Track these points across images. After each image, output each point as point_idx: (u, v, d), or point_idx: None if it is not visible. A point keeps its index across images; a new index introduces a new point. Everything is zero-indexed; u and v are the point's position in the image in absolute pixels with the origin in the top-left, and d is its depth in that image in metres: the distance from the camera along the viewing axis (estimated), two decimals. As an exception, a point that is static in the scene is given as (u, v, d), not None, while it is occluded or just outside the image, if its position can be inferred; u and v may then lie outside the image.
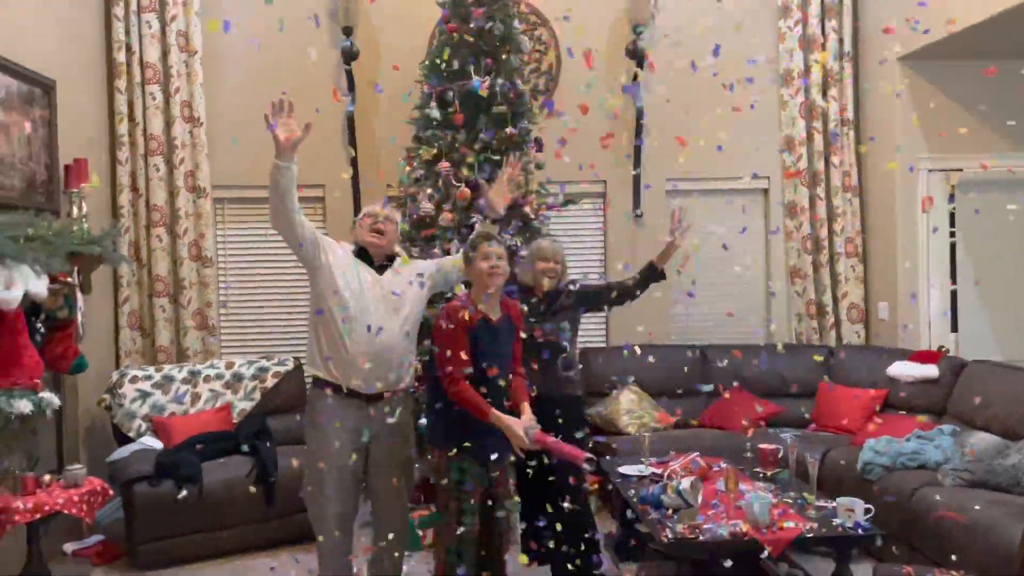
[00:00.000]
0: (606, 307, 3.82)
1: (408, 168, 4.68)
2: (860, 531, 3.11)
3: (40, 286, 3.48)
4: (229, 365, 4.91)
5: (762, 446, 3.98)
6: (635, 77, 5.34)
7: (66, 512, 3.45)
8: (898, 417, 4.47)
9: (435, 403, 2.98)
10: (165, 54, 5.11)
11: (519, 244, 4.24)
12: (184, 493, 4.01)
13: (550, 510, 3.28)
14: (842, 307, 5.52)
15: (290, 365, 5.00)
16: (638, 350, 4.29)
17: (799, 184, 5.49)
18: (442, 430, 2.94)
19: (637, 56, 5.32)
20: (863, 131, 5.51)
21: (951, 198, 5.13)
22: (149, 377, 4.70)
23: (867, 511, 3.18)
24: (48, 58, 4.30)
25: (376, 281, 3.00)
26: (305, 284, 3.07)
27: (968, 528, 3.25)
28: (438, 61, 4.49)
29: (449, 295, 3.51)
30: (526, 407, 2.93)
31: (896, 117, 5.12)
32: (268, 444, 4.42)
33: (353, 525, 3.07)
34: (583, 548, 3.40)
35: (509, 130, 4.44)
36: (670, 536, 3.04)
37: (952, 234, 5.15)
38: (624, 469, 3.90)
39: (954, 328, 5.18)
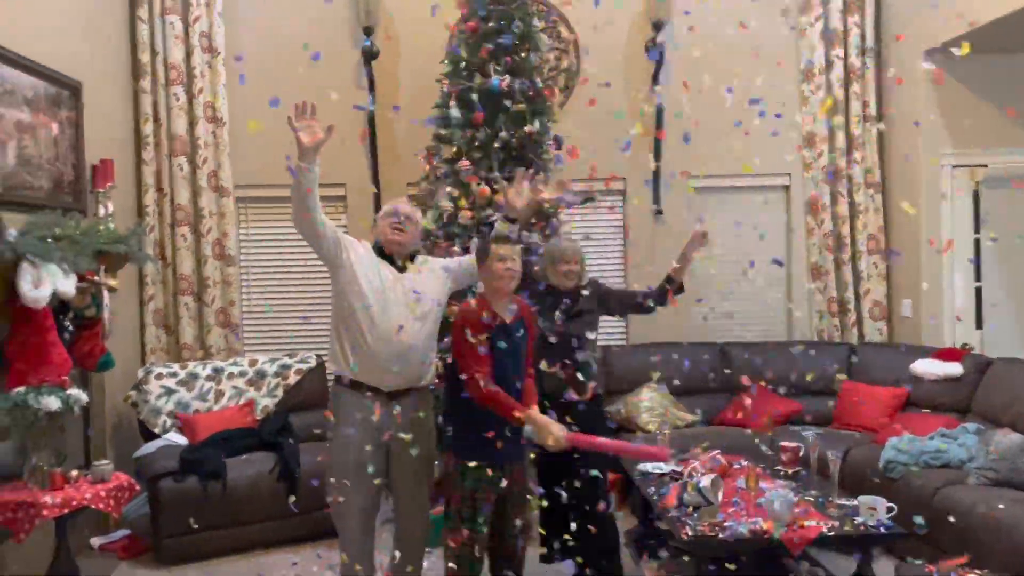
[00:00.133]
0: (621, 314, 3.80)
1: (428, 167, 4.70)
2: (882, 530, 3.09)
3: (68, 285, 3.55)
4: (252, 362, 4.96)
5: (783, 444, 3.97)
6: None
7: (93, 507, 3.51)
8: (921, 415, 4.44)
9: (452, 407, 2.99)
10: (188, 55, 5.17)
11: (539, 243, 4.24)
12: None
13: (567, 501, 3.30)
14: (864, 304, 5.48)
15: (312, 362, 5.05)
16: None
17: (820, 181, 5.45)
18: (457, 436, 2.96)
19: (657, 52, 5.30)
20: (886, 126, 5.45)
21: (975, 194, 5.07)
22: (174, 374, 4.76)
23: (890, 510, 3.16)
24: (74, 60, 4.37)
25: (397, 279, 3.02)
26: (327, 282, 3.10)
27: (992, 527, 3.22)
28: (458, 60, 4.51)
29: (469, 292, 3.53)
30: (535, 409, 2.93)
31: (920, 112, 5.06)
32: (291, 440, 4.47)
33: (375, 521, 3.10)
34: (604, 547, 3.41)
35: (528, 128, 4.45)
36: (690, 534, 3.04)
37: (976, 230, 5.09)
38: (644, 466, 3.90)
39: (978, 325, 5.12)
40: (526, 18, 4.53)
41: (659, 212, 5.50)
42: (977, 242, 5.09)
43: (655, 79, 5.37)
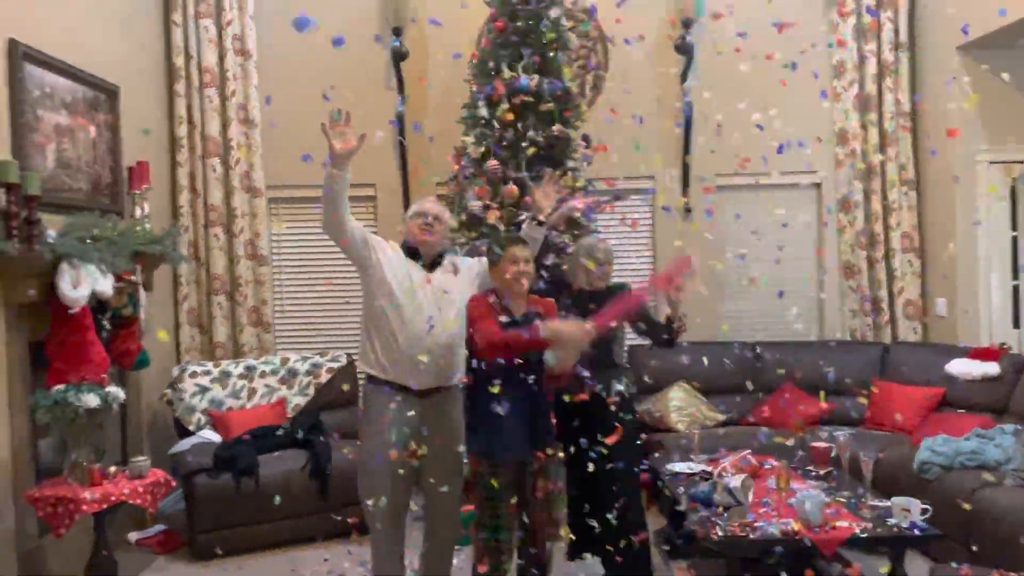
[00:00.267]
0: (637, 331, 3.66)
1: (456, 167, 4.72)
2: (916, 531, 3.06)
3: (106, 285, 3.63)
4: (284, 361, 5.03)
5: (814, 444, 3.93)
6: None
7: (131, 502, 3.59)
8: (957, 415, 4.37)
9: (471, 406, 3.00)
10: (222, 58, 5.25)
11: (567, 242, 4.24)
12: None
13: (594, 493, 3.29)
14: (898, 303, 5.40)
15: (343, 361, 5.10)
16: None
17: (853, 179, 5.38)
18: (474, 434, 2.98)
19: (686, 51, 5.27)
20: (920, 122, 5.37)
21: (1012, 191, 4.97)
22: (208, 372, 4.83)
23: (924, 511, 3.12)
24: (111, 65, 4.45)
25: (426, 279, 3.05)
26: (357, 281, 3.13)
27: (1030, 530, 3.16)
28: (486, 60, 4.53)
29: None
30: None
31: (954, 108, 4.97)
32: (322, 438, 4.52)
33: (405, 519, 3.12)
34: (633, 544, 3.40)
35: (557, 128, 4.45)
36: (720, 534, 3.03)
37: (1014, 227, 5.00)
38: (674, 466, 3.88)
39: (1015, 324, 5.03)
40: (555, 19, 4.52)
41: (688, 210, 5.47)
42: (1014, 239, 4.99)
43: (683, 77, 5.34)
